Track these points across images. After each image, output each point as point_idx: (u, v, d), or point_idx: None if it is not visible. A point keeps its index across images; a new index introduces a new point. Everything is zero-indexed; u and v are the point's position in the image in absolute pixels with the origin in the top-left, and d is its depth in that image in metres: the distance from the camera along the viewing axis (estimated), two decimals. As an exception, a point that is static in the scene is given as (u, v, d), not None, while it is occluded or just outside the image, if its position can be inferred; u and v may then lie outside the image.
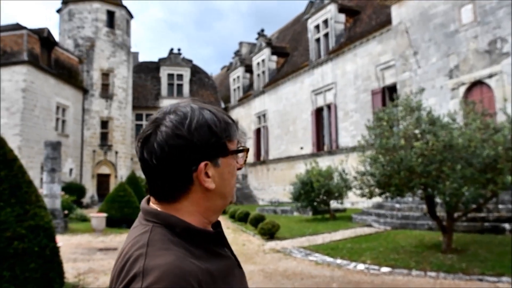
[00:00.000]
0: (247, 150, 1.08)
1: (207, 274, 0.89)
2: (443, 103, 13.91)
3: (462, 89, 13.60)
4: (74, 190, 23.17)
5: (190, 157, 0.97)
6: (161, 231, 0.94)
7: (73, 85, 27.93)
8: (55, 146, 14.03)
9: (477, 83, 13.25)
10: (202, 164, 0.97)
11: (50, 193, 13.62)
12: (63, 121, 27.06)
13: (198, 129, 0.98)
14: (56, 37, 28.83)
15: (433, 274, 7.18)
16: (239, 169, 1.08)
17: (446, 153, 7.63)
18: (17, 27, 24.31)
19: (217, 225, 1.10)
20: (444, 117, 8.61)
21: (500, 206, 10.18)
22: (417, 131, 8.23)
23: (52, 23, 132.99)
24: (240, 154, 1.06)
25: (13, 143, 20.94)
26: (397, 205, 12.96)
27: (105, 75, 30.01)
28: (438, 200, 8.54)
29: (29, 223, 4.83)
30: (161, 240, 0.92)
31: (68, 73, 27.54)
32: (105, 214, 14.33)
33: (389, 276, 7.27)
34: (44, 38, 25.16)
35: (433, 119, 8.36)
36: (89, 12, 29.74)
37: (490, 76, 12.76)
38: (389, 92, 18.30)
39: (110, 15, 30.54)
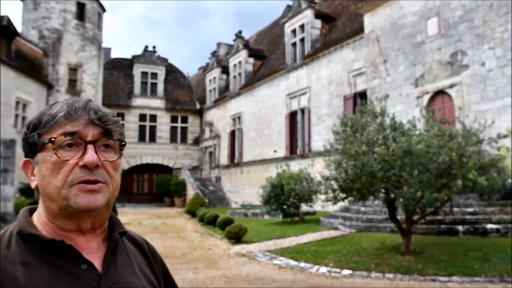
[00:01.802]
0: (51, 142, 0.93)
1: (8, 279, 0.84)
2: (409, 110, 14.39)
3: (426, 98, 14.13)
4: (32, 192, 21.93)
5: (25, 155, 1.00)
6: (9, 231, 0.96)
7: (37, 80, 26.02)
8: (8, 145, 13.29)
9: (440, 93, 13.82)
10: (22, 161, 0.99)
11: (1, 196, 12.77)
12: (24, 118, 25.03)
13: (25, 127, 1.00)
14: (19, 27, 26.92)
15: (391, 275, 7.46)
16: (84, 166, 0.93)
17: (406, 158, 7.95)
18: (-28, 14, 22.28)
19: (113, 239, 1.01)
20: (406, 124, 8.97)
21: (455, 209, 10.68)
22: (379, 137, 8.54)
23: (15, 12, 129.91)
24: (69, 147, 0.93)
25: (-35, 140, 19.88)
26: (363, 208, 13.32)
27: (73, 70, 28.43)
28: (398, 203, 8.88)
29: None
30: None
31: (31, 66, 25.74)
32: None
33: (349, 279, 7.51)
34: (3, 26, 23.17)
35: (395, 126, 8.70)
36: (57, 3, 27.95)
37: (451, 86, 13.36)
38: (360, 98, 18.73)
39: (81, 7, 28.90)
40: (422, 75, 14.31)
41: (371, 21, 16.76)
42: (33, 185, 0.97)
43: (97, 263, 0.95)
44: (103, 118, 0.97)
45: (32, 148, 0.97)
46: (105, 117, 0.97)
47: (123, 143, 1.01)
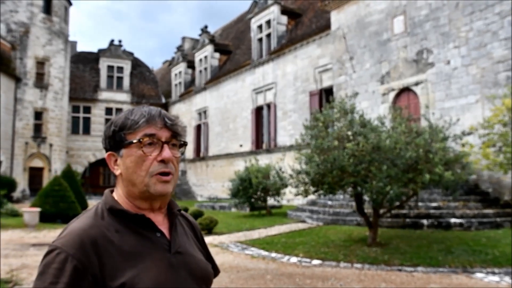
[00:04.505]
0: (140, 141, 1.17)
1: (107, 241, 1.11)
2: (374, 107, 14.81)
3: (392, 95, 14.57)
4: (4, 184, 22.10)
5: (106, 148, 1.25)
6: (99, 207, 1.22)
7: (5, 73, 26.19)
8: None
9: (405, 90, 14.27)
10: (107, 154, 1.25)
11: None
12: None
13: (107, 127, 1.25)
14: None
15: (359, 265, 7.76)
16: (161, 161, 1.18)
17: (374, 154, 8.23)
18: None
19: (172, 215, 1.29)
20: (374, 120, 9.26)
21: (420, 204, 11.12)
22: (349, 133, 8.79)
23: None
24: (149, 146, 1.18)
25: None
26: (329, 202, 13.65)
27: (40, 63, 28.57)
28: (366, 197, 9.18)
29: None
30: (90, 212, 1.20)
31: None
32: (38, 209, 13.89)
33: (319, 268, 7.77)
34: None
35: (364, 122, 8.97)
36: None
37: (417, 83, 13.80)
38: (326, 94, 19.10)
39: (47, 1, 29.04)
40: (388, 72, 14.74)
41: (338, 18, 17.08)
42: (116, 173, 1.23)
43: (165, 232, 1.23)
44: (173, 123, 1.23)
45: (117, 144, 1.21)
46: (175, 122, 1.24)
47: (185, 143, 1.28)
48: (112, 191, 1.27)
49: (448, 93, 12.88)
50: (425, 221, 10.52)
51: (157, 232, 1.20)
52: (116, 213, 1.19)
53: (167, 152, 1.19)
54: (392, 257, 8.01)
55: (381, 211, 9.29)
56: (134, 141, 1.18)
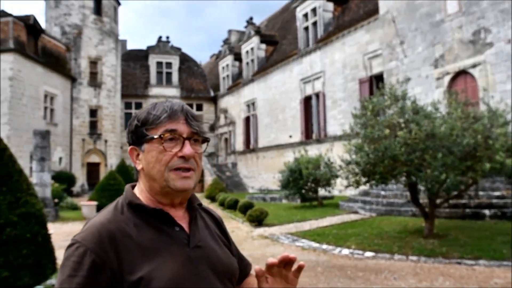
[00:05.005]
0: (161, 137, 1.16)
1: (125, 236, 1.12)
2: (428, 92, 14.15)
3: (447, 79, 13.82)
4: (64, 179, 23.20)
5: (129, 142, 1.25)
6: (120, 202, 1.22)
7: (61, 74, 27.65)
8: (44, 135, 14.05)
9: (462, 73, 13.47)
10: (129, 148, 1.25)
11: (40, 182, 13.68)
12: (52, 110, 26.89)
13: (130, 121, 1.25)
14: (43, 25, 28.46)
15: (414, 258, 7.44)
16: (182, 157, 1.17)
17: (428, 141, 7.84)
18: (2, 14, 23.91)
19: (192, 209, 1.28)
20: (428, 106, 8.82)
21: (481, 193, 10.49)
22: (401, 120, 8.42)
23: (38, 10, 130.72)
24: (170, 141, 1.17)
25: (2, 132, 20.84)
26: (383, 192, 13.24)
27: (93, 63, 29.77)
28: (421, 187, 8.79)
29: (21, 210, 4.95)
30: (111, 206, 1.21)
31: (55, 61, 27.25)
32: (95, 203, 14.45)
33: (372, 260, 7.53)
34: (30, 25, 24.80)
35: (417, 109, 8.56)
36: None
37: (474, 66, 12.98)
38: (376, 81, 18.51)
39: (97, 2, 30.20)
40: (442, 55, 14.00)
41: (386, 1, 16.43)
42: (138, 167, 1.22)
43: (185, 227, 1.22)
44: (195, 119, 1.22)
45: (139, 139, 1.21)
46: (197, 118, 1.23)
47: (208, 139, 1.26)
48: (133, 186, 1.28)
49: (510, 75, 12.00)
50: (487, 211, 9.94)
51: (176, 226, 1.20)
52: (135, 207, 1.19)
53: (188, 149, 1.18)
54: (450, 250, 7.62)
55: (438, 201, 8.86)
56: (155, 136, 1.18)
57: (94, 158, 29.51)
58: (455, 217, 10.28)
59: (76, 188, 27.18)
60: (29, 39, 24.91)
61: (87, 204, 14.26)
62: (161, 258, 1.12)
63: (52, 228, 7.93)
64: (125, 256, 1.09)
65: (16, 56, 23.27)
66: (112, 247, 1.09)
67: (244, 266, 1.44)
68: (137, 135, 1.22)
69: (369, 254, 7.94)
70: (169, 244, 1.16)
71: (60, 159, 27.14)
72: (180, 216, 1.24)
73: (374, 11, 18.22)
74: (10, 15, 23.82)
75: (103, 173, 27.48)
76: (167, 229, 1.18)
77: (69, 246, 1.11)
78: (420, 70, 14.74)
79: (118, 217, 1.16)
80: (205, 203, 20.83)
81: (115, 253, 1.08)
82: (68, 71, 28.60)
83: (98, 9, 30.19)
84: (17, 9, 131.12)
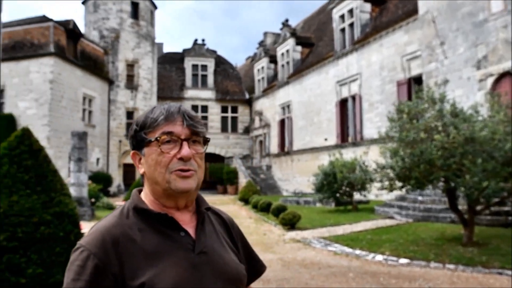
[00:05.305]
0: (157, 140, 1.16)
1: (129, 240, 1.12)
2: (470, 94, 13.64)
3: (490, 80, 13.27)
4: (101, 179, 23.77)
5: (131, 148, 1.26)
6: (126, 206, 1.23)
7: (99, 76, 28.37)
8: (81, 136, 14.40)
9: (506, 74, 12.88)
10: (131, 153, 1.26)
11: (77, 182, 14.04)
12: (90, 112, 27.62)
13: (131, 127, 1.26)
14: (82, 29, 29.33)
15: (451, 266, 7.16)
16: (181, 158, 1.16)
17: (468, 146, 7.54)
18: (44, 19, 24.82)
19: (200, 213, 1.27)
20: (468, 109, 8.48)
21: (525, 200, 10.01)
22: (439, 124, 8.14)
23: (77, 14, 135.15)
24: (168, 143, 1.17)
25: (42, 133, 21.57)
26: (420, 198, 12.85)
27: (130, 66, 30.45)
28: (459, 193, 8.45)
29: (54, 209, 5.05)
30: (117, 211, 1.23)
31: (94, 65, 27.98)
32: (130, 203, 14.68)
33: (407, 268, 7.29)
34: (69, 30, 25.56)
35: (456, 112, 8.25)
36: (114, 3, 30.12)
37: (520, 67, 12.41)
38: (415, 83, 18.03)
39: (135, 6, 30.87)
40: (485, 56, 13.45)
41: (426, 1, 15.98)
42: (141, 171, 1.24)
43: (191, 232, 1.21)
44: (192, 120, 1.21)
45: (139, 143, 1.22)
46: (194, 119, 1.21)
47: (208, 139, 1.25)
48: (140, 191, 1.28)
49: (557, 76, 11.42)
50: (530, 220, 9.48)
51: (181, 231, 1.19)
52: (140, 212, 1.19)
53: (185, 150, 1.17)
54: (491, 259, 7.28)
55: (478, 208, 8.50)
56: (153, 139, 1.18)
57: (130, 159, 29.98)
58: (497, 225, 9.84)
59: (112, 188, 27.80)
60: (68, 43, 25.64)
61: (121, 204, 14.53)
62: (164, 263, 1.12)
63: (88, 227, 8.11)
64: (128, 261, 1.09)
65: (56, 59, 24.02)
66: (115, 251, 1.09)
67: (257, 267, 1.43)
68: (137, 140, 1.23)
69: (403, 261, 7.70)
70: (173, 249, 1.15)
71: (98, 160, 27.82)
72: (187, 220, 1.23)
73: (413, 11, 17.77)
74: (50, 20, 24.60)
75: (138, 174, 27.93)
76: (172, 233, 1.18)
77: (75, 250, 1.12)
78: (461, 72, 14.23)
79: (123, 222, 1.17)
80: (239, 205, 20.89)
81: (117, 258, 1.09)
82: (106, 74, 29.29)
83: (135, 13, 30.83)
84: (57, 14, 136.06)
